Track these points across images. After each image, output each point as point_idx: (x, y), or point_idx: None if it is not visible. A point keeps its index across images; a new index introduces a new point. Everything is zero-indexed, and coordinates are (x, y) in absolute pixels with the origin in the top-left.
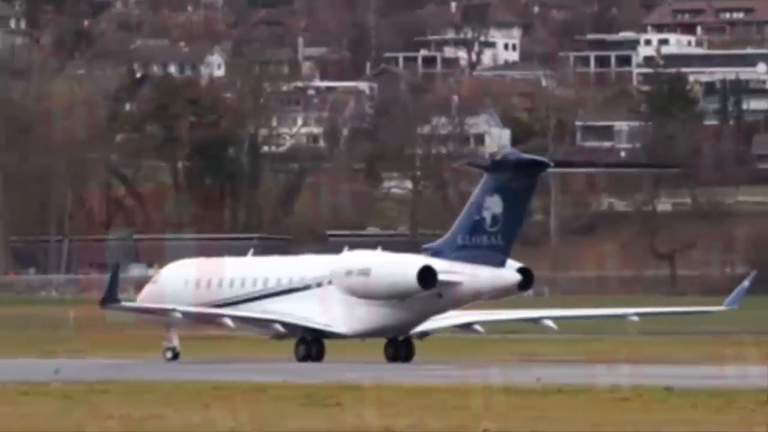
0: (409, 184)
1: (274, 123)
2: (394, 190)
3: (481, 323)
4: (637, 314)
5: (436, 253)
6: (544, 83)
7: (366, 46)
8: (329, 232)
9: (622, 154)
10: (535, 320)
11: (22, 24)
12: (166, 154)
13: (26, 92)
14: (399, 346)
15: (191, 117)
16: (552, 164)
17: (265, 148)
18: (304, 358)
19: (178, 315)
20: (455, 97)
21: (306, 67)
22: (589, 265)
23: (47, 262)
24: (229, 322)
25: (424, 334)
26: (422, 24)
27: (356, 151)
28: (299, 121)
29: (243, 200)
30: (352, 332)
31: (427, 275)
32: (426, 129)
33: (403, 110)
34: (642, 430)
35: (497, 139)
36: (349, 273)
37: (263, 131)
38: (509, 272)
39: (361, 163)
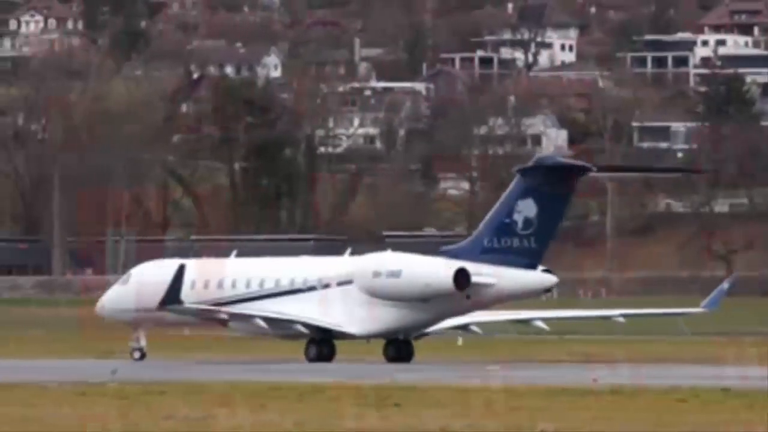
0: (465, 185)
1: (331, 124)
2: (450, 191)
3: (477, 324)
4: (623, 315)
5: (454, 255)
6: (600, 84)
7: (422, 47)
8: (385, 233)
9: (679, 155)
10: (526, 322)
11: (80, 25)
12: (222, 155)
13: (84, 93)
14: (400, 346)
15: (248, 118)
16: (594, 169)
17: (322, 149)
18: (315, 358)
19: (224, 316)
20: (512, 98)
21: (362, 67)
22: (645, 266)
23: (104, 263)
24: (261, 323)
25: (422, 335)
26: (479, 24)
27: (413, 152)
28: (356, 122)
29: (299, 201)
30: (363, 333)
31: (461, 277)
32: (482, 130)
33: (460, 111)
34: (700, 431)
35: (554, 139)
36: (377, 274)
37: (320, 132)
38: (540, 274)
39: (417, 164)
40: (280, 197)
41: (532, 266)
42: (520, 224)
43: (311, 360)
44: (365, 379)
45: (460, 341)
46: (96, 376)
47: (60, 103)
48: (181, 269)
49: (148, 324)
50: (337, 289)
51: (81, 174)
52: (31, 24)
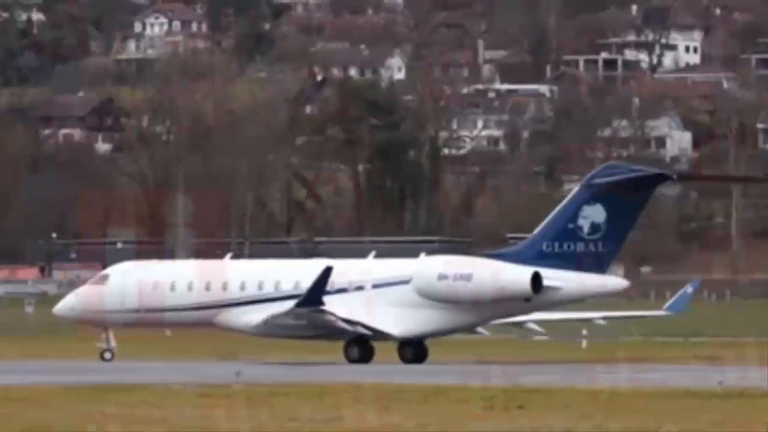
0: None
1: (455, 126)
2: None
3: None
4: (604, 318)
5: (504, 260)
6: (725, 86)
7: (546, 49)
8: (509, 235)
9: None
10: (520, 324)
11: (204, 27)
12: (346, 157)
13: (208, 95)
14: (417, 348)
15: (372, 120)
16: (674, 176)
17: (446, 151)
18: (356, 359)
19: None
20: (636, 100)
21: (486, 69)
22: None
23: None
24: (342, 324)
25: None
26: (603, 26)
27: (536, 154)
28: (479, 124)
29: (423, 203)
30: (405, 334)
31: (537, 280)
32: (606, 132)
33: (584, 113)
34: None
35: (678, 141)
36: (443, 277)
37: (443, 134)
38: (606, 278)
39: (541, 166)
40: (404, 199)
41: (598, 270)
42: (586, 229)
43: (352, 361)
44: (488, 381)
45: (584, 344)
46: (220, 377)
47: (184, 105)
48: (328, 271)
49: (118, 324)
50: (381, 290)
51: (205, 175)
52: (155, 26)
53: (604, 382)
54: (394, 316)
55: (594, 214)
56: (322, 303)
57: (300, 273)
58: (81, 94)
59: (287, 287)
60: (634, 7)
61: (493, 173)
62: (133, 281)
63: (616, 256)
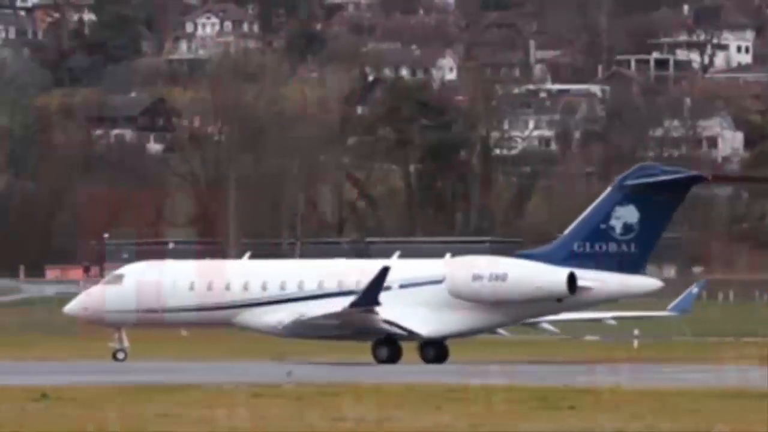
0: None
1: (506, 126)
2: None
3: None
4: (614, 318)
5: (534, 260)
6: None
7: (598, 49)
8: (560, 235)
9: None
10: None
11: (255, 27)
12: (397, 157)
13: (259, 95)
14: (439, 348)
15: (423, 120)
16: (709, 178)
17: (497, 151)
18: (385, 360)
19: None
20: (687, 100)
21: (537, 69)
22: None
23: None
24: (384, 325)
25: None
26: (654, 26)
27: (588, 154)
28: (530, 124)
29: (474, 203)
30: (433, 334)
31: (572, 281)
32: (658, 132)
33: (635, 113)
34: None
35: (730, 141)
36: (478, 278)
37: (495, 134)
38: (639, 279)
39: (592, 166)
40: (455, 199)
41: (631, 271)
42: (618, 230)
43: (381, 361)
44: (539, 381)
45: (636, 344)
46: (272, 377)
47: (236, 106)
48: (385, 271)
49: (129, 324)
50: (408, 290)
51: (257, 175)
52: (207, 26)
53: (654, 382)
54: (422, 316)
55: (627, 214)
56: (378, 303)
57: (321, 273)
58: (132, 94)
59: (311, 287)
60: (686, 7)
61: (544, 173)
62: (149, 281)
63: (649, 256)
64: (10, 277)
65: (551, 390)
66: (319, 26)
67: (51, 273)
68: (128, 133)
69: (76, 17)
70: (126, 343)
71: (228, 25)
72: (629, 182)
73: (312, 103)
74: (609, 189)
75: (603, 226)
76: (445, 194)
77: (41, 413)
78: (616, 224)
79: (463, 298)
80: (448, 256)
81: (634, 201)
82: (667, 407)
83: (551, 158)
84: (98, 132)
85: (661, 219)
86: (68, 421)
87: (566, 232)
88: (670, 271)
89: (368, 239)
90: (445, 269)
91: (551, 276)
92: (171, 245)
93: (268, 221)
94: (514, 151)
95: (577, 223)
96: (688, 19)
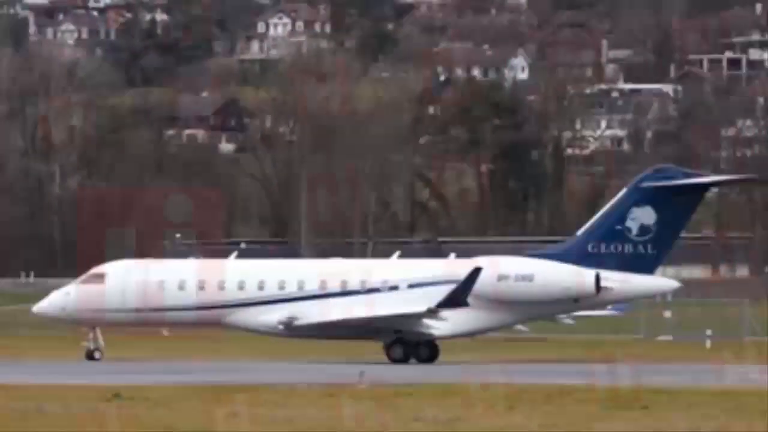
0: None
1: (578, 125)
2: None
3: None
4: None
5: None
6: None
7: (670, 48)
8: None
9: None
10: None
11: (327, 27)
12: (470, 157)
13: (331, 95)
14: (431, 348)
15: (495, 120)
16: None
17: (569, 151)
18: (399, 359)
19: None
20: (760, 99)
21: (610, 69)
22: None
23: None
24: (439, 327)
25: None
26: (727, 25)
27: (660, 154)
28: (603, 124)
29: (546, 203)
30: (446, 333)
31: (597, 281)
32: (730, 131)
33: (708, 113)
34: None
35: None
36: (503, 278)
37: (567, 134)
38: (656, 279)
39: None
40: (527, 199)
41: (646, 272)
42: (634, 231)
43: (396, 361)
44: (610, 381)
45: (708, 343)
46: (345, 377)
47: (308, 106)
48: (476, 271)
49: (104, 324)
50: (419, 290)
51: (328, 175)
52: (279, 27)
53: (727, 382)
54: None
55: (643, 215)
56: (467, 304)
57: (306, 273)
58: (205, 94)
59: (292, 288)
60: (759, 6)
61: (616, 173)
62: (135, 280)
63: (665, 256)
64: None
65: (624, 390)
66: (390, 26)
67: None
68: (200, 134)
69: (148, 17)
70: (101, 342)
71: (300, 25)
72: (645, 185)
73: (384, 103)
74: (625, 190)
75: (619, 227)
76: (517, 194)
77: (115, 413)
78: (633, 225)
79: (489, 298)
80: (452, 256)
81: (651, 202)
82: (740, 407)
83: (623, 158)
84: (170, 132)
85: (678, 220)
86: (142, 421)
87: (579, 232)
88: (743, 271)
89: (440, 239)
90: (467, 269)
91: (578, 277)
92: (242, 245)
93: (340, 221)
94: (586, 151)
95: (591, 223)
96: (761, 19)
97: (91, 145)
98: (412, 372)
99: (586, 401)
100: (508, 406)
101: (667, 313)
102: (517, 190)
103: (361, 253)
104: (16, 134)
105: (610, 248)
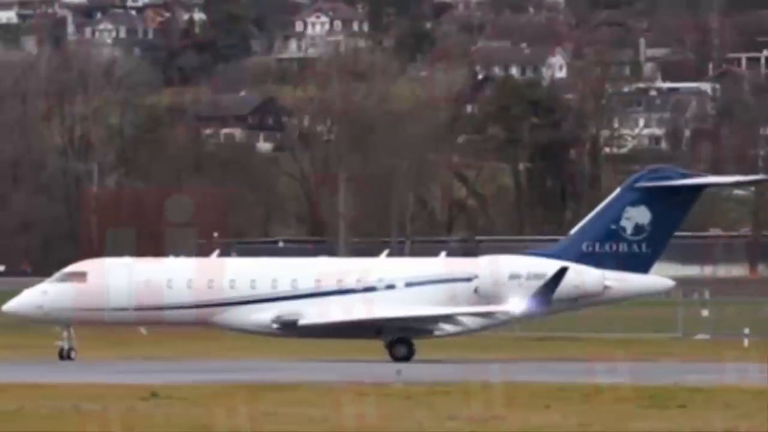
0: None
1: (616, 124)
2: (736, 192)
3: None
4: None
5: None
6: None
7: (708, 47)
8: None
9: None
10: None
11: (365, 26)
12: (507, 156)
13: (369, 94)
14: (409, 346)
15: (533, 118)
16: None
17: (607, 150)
18: (402, 358)
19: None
20: None
21: (648, 67)
22: None
23: None
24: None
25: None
26: (765, 24)
27: (699, 153)
28: (641, 123)
29: (584, 202)
30: (451, 332)
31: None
32: None
33: (746, 111)
34: None
35: None
36: (514, 276)
37: (605, 132)
38: (653, 278)
39: (703, 164)
40: (565, 198)
41: (640, 271)
42: (629, 230)
43: (398, 359)
44: (648, 380)
45: (746, 342)
46: (381, 376)
47: (345, 105)
48: (562, 271)
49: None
50: (416, 288)
51: (366, 174)
52: (317, 26)
53: (765, 381)
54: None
55: (638, 215)
56: (551, 303)
57: (295, 271)
58: (242, 93)
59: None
60: None
61: None
62: (118, 279)
63: (659, 256)
64: None
65: (661, 389)
66: (428, 25)
67: None
68: (238, 133)
69: (186, 16)
70: (74, 341)
71: (338, 24)
72: (640, 185)
73: (421, 101)
74: (619, 189)
75: (613, 226)
76: (554, 193)
77: (152, 412)
78: (627, 225)
79: (500, 296)
80: (443, 254)
81: (646, 202)
82: None
83: (661, 156)
84: (208, 131)
85: (673, 219)
86: (180, 420)
87: (572, 231)
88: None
89: (477, 238)
90: (476, 268)
91: (586, 276)
92: (280, 244)
93: (377, 220)
94: (624, 150)
95: (585, 222)
96: None
97: (129, 145)
98: (444, 370)
99: (623, 400)
100: (545, 404)
101: (705, 312)
102: (555, 189)
103: (398, 252)
104: (54, 133)
105: (605, 248)
